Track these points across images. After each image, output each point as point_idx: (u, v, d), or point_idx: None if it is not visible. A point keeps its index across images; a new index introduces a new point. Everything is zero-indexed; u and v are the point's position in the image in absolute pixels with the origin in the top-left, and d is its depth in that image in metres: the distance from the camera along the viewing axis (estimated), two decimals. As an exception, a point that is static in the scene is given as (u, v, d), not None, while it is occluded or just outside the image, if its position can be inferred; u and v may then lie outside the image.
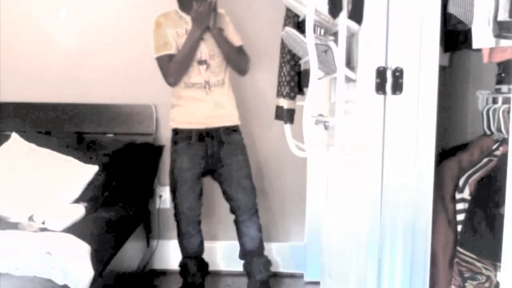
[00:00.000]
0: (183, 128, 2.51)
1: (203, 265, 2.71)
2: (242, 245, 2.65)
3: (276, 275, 2.98)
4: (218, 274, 3.00)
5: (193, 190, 2.53)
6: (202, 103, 2.47)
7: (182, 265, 2.67)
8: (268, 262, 2.68)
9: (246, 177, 2.57)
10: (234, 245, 2.75)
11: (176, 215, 2.57)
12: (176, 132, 2.54)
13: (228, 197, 2.60)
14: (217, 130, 2.51)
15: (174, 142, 2.54)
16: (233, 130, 2.56)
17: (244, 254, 2.66)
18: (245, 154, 2.59)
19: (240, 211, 2.58)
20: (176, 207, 2.56)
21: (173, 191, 2.56)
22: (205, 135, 2.50)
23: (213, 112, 2.49)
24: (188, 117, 2.50)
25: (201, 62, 2.46)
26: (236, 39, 2.53)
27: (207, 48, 2.45)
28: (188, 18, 2.44)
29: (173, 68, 2.43)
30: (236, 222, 2.63)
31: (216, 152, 2.52)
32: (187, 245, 2.60)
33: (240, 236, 2.64)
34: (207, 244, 2.70)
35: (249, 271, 2.65)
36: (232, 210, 2.62)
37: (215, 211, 3.00)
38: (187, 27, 2.45)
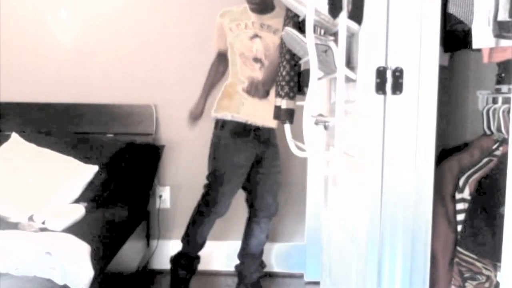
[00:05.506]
0: (239, 122, 2.39)
1: (194, 261, 2.67)
2: (247, 245, 2.63)
3: (277, 275, 2.99)
4: (218, 274, 3.00)
5: (235, 191, 2.51)
6: (250, 99, 2.39)
7: (175, 260, 2.63)
8: (263, 263, 2.70)
9: (278, 184, 2.58)
10: (234, 245, 2.75)
11: (205, 205, 2.50)
12: (224, 122, 2.41)
13: (255, 196, 2.56)
14: (267, 129, 2.43)
15: (233, 134, 2.39)
16: (273, 132, 2.51)
17: (244, 254, 2.65)
18: (280, 159, 2.57)
19: (263, 213, 2.57)
20: (211, 200, 2.48)
21: (213, 183, 2.47)
22: (259, 133, 2.42)
23: (261, 108, 2.37)
24: (241, 109, 2.39)
25: (256, 60, 2.41)
26: None
27: (263, 47, 2.39)
28: (252, 15, 2.41)
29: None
30: (251, 222, 2.61)
31: (262, 153, 2.47)
32: (198, 236, 2.55)
33: (249, 236, 2.61)
34: (207, 244, 2.69)
35: (243, 271, 2.65)
36: (253, 210, 2.59)
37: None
38: (247, 22, 2.40)
